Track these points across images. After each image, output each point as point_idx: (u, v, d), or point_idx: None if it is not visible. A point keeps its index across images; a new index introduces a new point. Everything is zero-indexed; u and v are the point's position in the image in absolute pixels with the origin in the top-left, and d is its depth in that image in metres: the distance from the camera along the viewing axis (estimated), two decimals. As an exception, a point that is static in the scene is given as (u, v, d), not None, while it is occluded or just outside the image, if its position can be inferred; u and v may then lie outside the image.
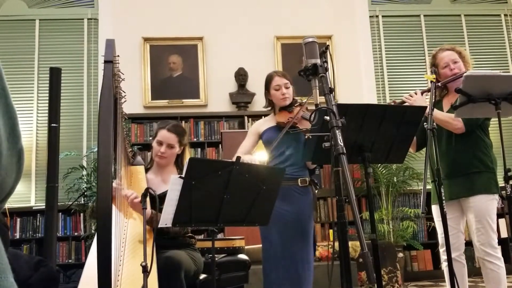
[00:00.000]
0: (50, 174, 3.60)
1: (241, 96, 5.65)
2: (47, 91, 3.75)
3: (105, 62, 1.74)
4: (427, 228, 5.47)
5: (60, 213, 5.03)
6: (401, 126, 2.23)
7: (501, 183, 2.50)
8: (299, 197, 2.69)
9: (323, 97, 1.72)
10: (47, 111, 3.81)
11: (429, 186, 2.56)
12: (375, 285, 2.08)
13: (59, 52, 5.72)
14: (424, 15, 6.28)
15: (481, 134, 2.72)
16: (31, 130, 5.46)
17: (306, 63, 1.80)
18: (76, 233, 5.18)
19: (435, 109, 2.58)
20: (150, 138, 5.28)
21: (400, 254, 4.89)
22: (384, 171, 5.33)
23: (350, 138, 2.09)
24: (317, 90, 1.75)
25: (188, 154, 2.66)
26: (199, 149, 5.48)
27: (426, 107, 2.37)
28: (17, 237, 5.08)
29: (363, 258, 1.41)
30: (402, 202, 5.55)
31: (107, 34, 5.51)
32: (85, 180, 5.01)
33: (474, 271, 4.50)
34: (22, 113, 5.42)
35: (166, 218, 1.89)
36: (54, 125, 3.62)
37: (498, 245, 2.62)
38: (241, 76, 5.64)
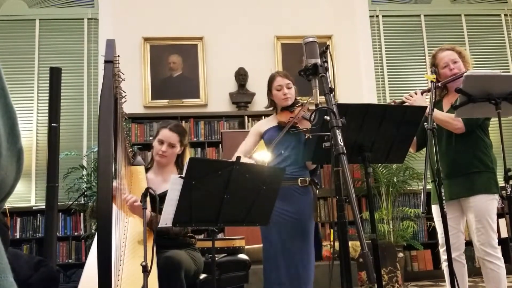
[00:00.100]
0: (50, 174, 3.60)
1: (241, 96, 5.65)
2: (47, 91, 3.76)
3: (105, 62, 1.75)
4: (427, 228, 5.47)
5: (60, 213, 5.02)
6: (401, 126, 2.23)
7: (501, 183, 2.50)
8: (299, 197, 2.69)
9: (323, 97, 1.72)
10: (47, 111, 3.81)
11: (429, 186, 2.56)
12: (375, 285, 2.08)
13: (59, 52, 5.71)
14: (424, 15, 6.27)
15: (481, 134, 2.72)
16: (31, 130, 5.45)
17: (306, 63, 1.80)
18: (76, 233, 5.18)
19: (435, 109, 2.58)
20: (150, 138, 5.28)
21: (400, 254, 4.89)
22: (384, 171, 5.33)
23: (350, 138, 2.09)
24: (317, 90, 1.75)
25: (189, 154, 2.66)
26: (199, 149, 5.48)
27: (426, 107, 2.37)
28: (17, 237, 5.08)
29: (363, 258, 1.41)
30: (402, 202, 5.54)
31: (107, 34, 5.51)
32: (85, 180, 5.01)
33: (474, 271, 4.50)
34: (22, 113, 5.42)
35: (166, 218, 1.89)
36: (54, 125, 3.63)
37: (498, 245, 2.62)
38: (241, 76, 5.64)
